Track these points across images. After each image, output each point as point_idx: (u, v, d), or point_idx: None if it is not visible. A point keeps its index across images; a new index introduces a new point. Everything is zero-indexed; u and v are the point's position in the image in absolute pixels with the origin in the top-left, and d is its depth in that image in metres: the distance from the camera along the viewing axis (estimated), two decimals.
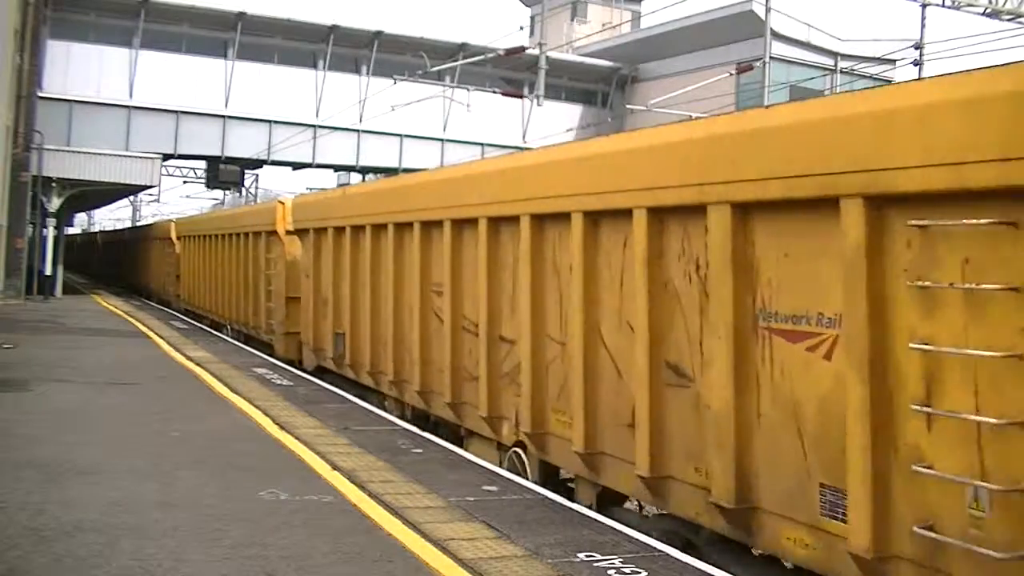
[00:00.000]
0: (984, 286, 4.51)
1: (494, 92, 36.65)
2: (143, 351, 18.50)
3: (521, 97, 37.87)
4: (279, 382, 14.49)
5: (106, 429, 10.31)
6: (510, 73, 44.31)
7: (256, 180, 54.02)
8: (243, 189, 52.04)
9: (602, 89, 49.72)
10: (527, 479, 8.63)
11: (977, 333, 4.53)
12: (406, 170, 40.44)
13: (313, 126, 43.42)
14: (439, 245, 10.41)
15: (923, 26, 29.17)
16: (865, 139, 5.00)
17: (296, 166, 47.29)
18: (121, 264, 48.27)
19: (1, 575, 5.52)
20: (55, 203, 35.56)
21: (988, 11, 29.99)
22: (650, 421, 6.78)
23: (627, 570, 5.91)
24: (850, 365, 5.08)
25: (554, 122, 43.66)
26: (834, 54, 42.94)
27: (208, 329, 24.43)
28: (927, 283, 4.77)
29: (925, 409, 4.78)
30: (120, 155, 36.97)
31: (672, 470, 6.71)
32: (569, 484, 8.67)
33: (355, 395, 13.43)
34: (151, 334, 21.85)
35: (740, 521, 6.07)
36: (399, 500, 7.50)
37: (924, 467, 4.78)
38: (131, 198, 70.02)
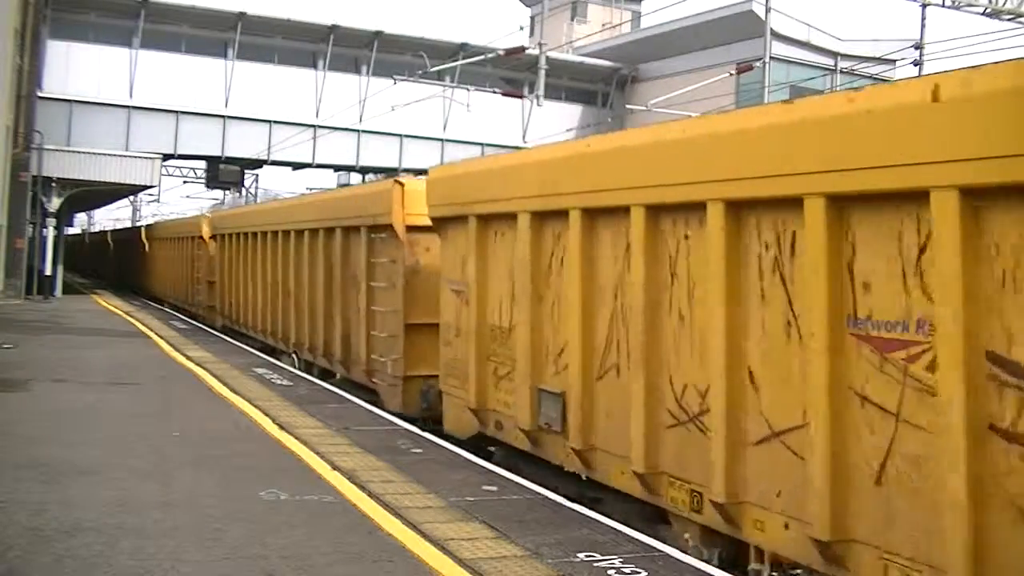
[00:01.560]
0: None
1: (494, 92, 36.65)
2: (143, 351, 18.50)
3: (521, 97, 37.88)
4: (279, 382, 14.49)
5: (106, 429, 10.31)
6: (510, 73, 44.31)
7: (256, 180, 54.06)
8: (243, 189, 52.07)
9: (602, 89, 49.71)
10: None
11: None
12: (406, 170, 40.46)
13: (313, 126, 43.42)
14: None
15: (923, 26, 29.18)
16: None
17: (296, 166, 47.31)
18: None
19: (1, 575, 5.52)
20: (55, 203, 35.59)
21: (988, 11, 29.99)
22: None
23: (627, 570, 5.92)
24: None
25: (554, 122, 43.67)
26: (834, 54, 42.94)
27: (208, 329, 24.29)
28: None
29: None
30: (120, 155, 37.01)
31: None
32: None
33: None
34: (151, 334, 21.85)
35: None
36: (399, 500, 7.50)
37: None
38: (131, 198, 70.02)
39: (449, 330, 10.75)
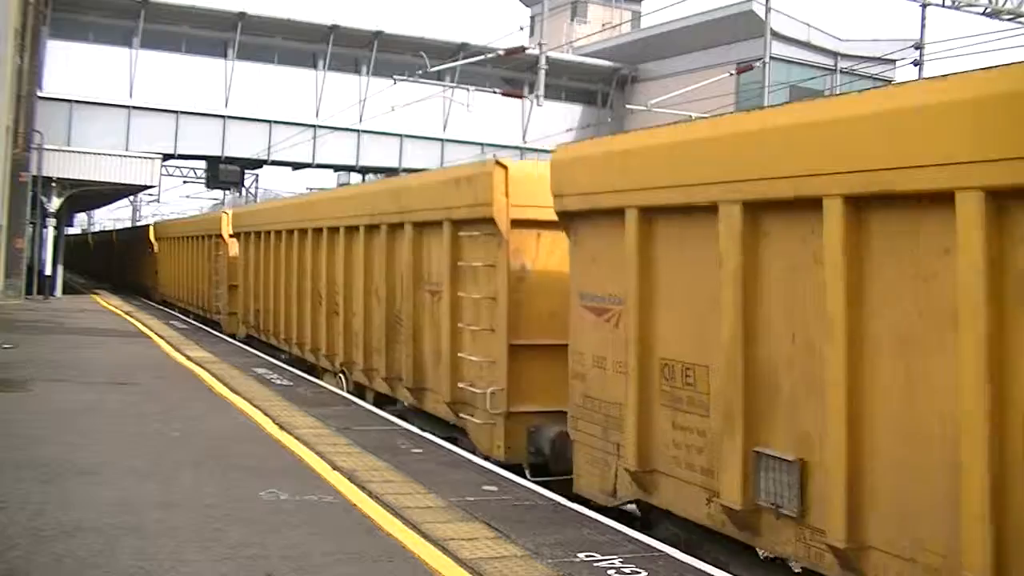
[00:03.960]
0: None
1: (494, 92, 36.62)
2: (143, 351, 18.50)
3: (521, 97, 37.85)
4: (279, 382, 14.49)
5: (106, 429, 10.30)
6: (510, 73, 44.31)
7: (256, 180, 54.03)
8: (243, 189, 52.03)
9: (602, 89, 49.71)
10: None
11: None
12: (406, 170, 40.47)
13: (313, 126, 43.41)
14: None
15: (923, 26, 29.16)
16: None
17: (296, 166, 47.29)
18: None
19: (1, 575, 5.52)
20: (55, 203, 35.57)
21: (988, 11, 29.97)
22: None
23: (627, 570, 5.92)
24: None
25: (554, 122, 43.65)
26: (834, 54, 42.93)
27: (207, 329, 24.46)
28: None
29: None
30: (120, 155, 36.98)
31: None
32: None
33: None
34: (151, 334, 21.86)
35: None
36: (399, 500, 7.50)
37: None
38: (131, 198, 70.02)
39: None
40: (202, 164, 49.03)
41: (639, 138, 7.39)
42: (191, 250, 28.67)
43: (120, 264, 50.56)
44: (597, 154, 7.80)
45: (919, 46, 29.06)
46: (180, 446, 9.49)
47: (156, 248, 37.20)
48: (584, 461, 7.99)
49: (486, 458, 9.50)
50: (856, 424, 5.26)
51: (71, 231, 69.14)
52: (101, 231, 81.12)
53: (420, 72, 32.62)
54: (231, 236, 22.69)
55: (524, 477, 8.93)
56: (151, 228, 40.00)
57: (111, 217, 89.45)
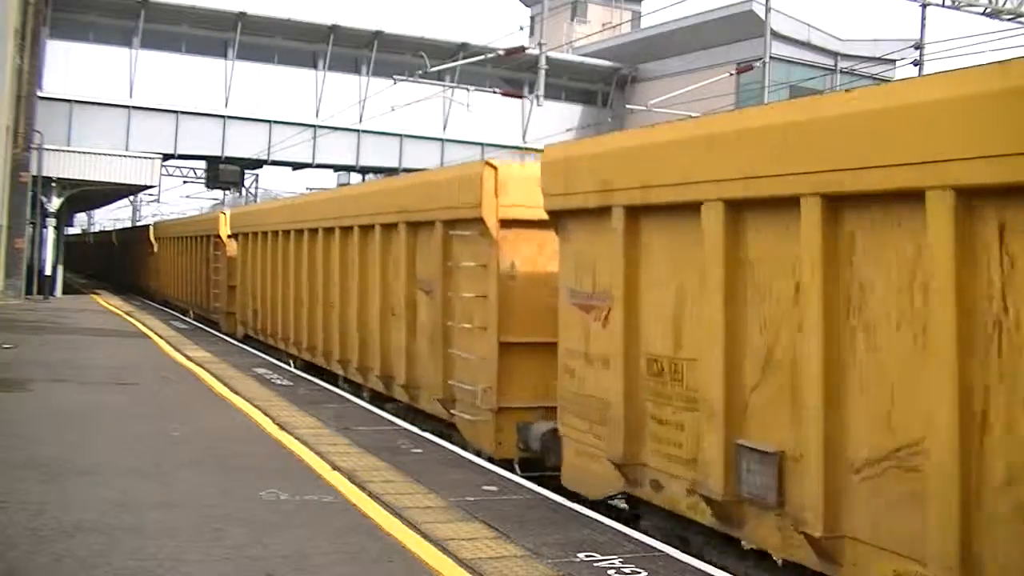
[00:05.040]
0: None
1: (494, 92, 36.64)
2: (143, 351, 18.50)
3: (521, 97, 37.88)
4: (279, 382, 14.49)
5: (106, 429, 10.30)
6: (510, 73, 44.32)
7: (256, 180, 54.04)
8: (243, 189, 52.05)
9: (602, 89, 49.72)
10: None
11: None
12: (406, 170, 40.47)
13: (313, 126, 43.43)
14: None
15: (923, 26, 29.18)
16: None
17: (296, 166, 47.31)
18: None
19: (1, 575, 5.52)
20: (55, 203, 35.59)
21: (988, 11, 29.99)
22: None
23: (627, 570, 5.92)
24: None
25: (554, 122, 43.65)
26: (834, 54, 42.95)
27: (208, 329, 24.42)
28: None
29: None
30: (120, 155, 36.99)
31: None
32: None
33: None
34: (151, 334, 21.86)
35: None
36: (399, 500, 7.50)
37: None
38: (131, 198, 70.02)
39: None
40: (202, 164, 49.06)
41: None
42: (338, 255, 14.68)
43: (161, 273, 36.85)
44: None
45: (919, 46, 29.07)
46: (180, 446, 9.49)
47: (230, 250, 24.40)
48: None
49: None
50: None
51: (72, 231, 69.08)
52: (128, 227, 62.47)
53: (420, 72, 32.63)
54: (506, 225, 9.81)
55: None
56: (222, 219, 25.43)
57: (111, 217, 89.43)
